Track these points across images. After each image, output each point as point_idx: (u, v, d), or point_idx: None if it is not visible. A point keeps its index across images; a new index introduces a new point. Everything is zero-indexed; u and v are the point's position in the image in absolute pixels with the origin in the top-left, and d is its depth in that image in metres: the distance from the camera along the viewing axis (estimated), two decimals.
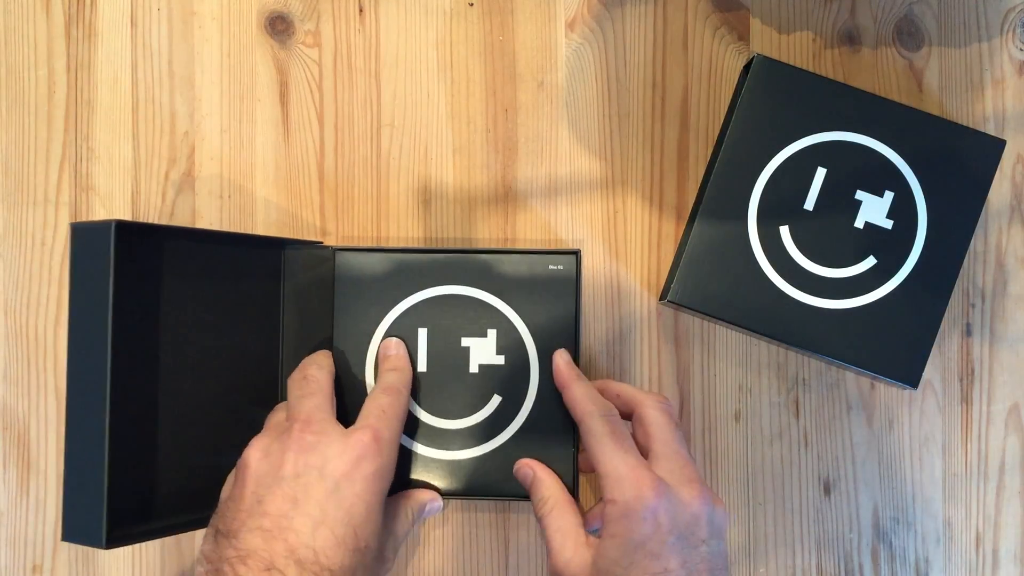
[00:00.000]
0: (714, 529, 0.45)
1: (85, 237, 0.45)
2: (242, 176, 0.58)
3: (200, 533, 0.57)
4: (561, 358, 0.51)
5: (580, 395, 0.49)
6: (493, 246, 0.57)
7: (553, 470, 0.51)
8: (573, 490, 0.51)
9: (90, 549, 0.57)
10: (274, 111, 0.58)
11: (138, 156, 0.58)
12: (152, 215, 0.57)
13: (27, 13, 0.58)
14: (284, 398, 0.52)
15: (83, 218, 0.58)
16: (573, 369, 0.51)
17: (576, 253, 0.52)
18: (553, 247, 0.57)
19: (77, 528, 0.45)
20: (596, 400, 0.49)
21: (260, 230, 0.57)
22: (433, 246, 0.57)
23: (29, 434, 0.57)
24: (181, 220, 0.57)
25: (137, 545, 0.57)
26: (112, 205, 0.58)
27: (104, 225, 0.44)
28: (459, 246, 0.56)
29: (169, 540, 0.57)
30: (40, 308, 0.58)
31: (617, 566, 0.44)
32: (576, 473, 0.52)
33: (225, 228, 0.57)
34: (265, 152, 0.58)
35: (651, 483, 0.45)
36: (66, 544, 0.57)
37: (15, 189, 0.58)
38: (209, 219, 0.57)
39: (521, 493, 0.51)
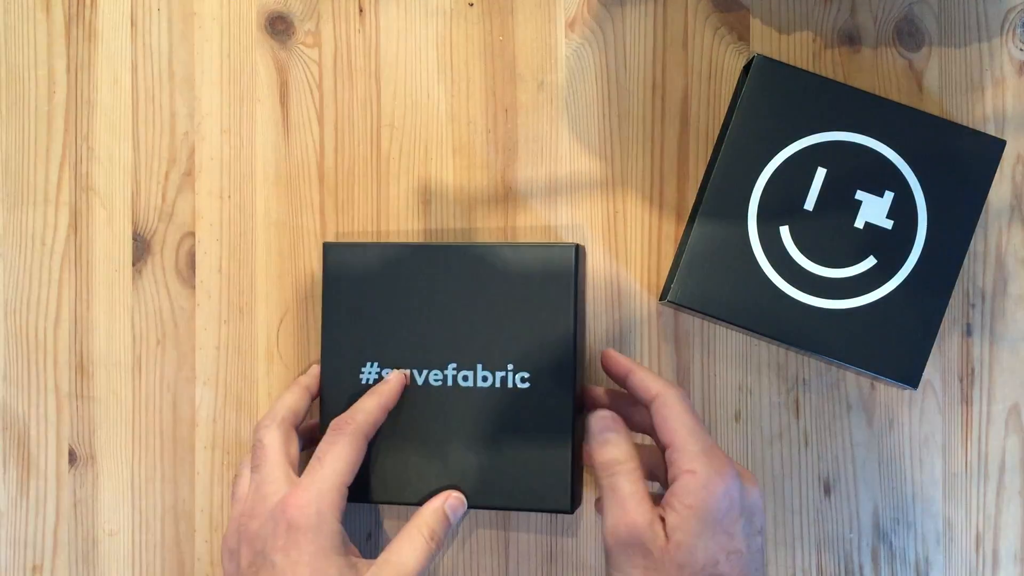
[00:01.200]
0: (764, 522, 0.47)
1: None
2: (242, 176, 0.58)
3: (201, 530, 0.57)
4: (613, 352, 0.52)
5: (650, 376, 0.49)
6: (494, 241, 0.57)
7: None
8: (573, 493, 0.51)
9: (90, 549, 0.57)
10: (274, 111, 0.58)
11: (138, 156, 0.58)
12: (152, 215, 0.57)
13: (27, 13, 0.58)
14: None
15: (83, 219, 0.58)
16: (628, 357, 0.51)
17: (574, 247, 0.52)
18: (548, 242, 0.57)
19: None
20: (669, 381, 0.49)
21: (260, 230, 0.57)
22: (433, 240, 0.57)
23: (29, 434, 0.57)
24: (181, 220, 0.57)
25: (137, 545, 0.57)
26: (112, 205, 0.58)
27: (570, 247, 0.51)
28: (458, 240, 0.56)
29: (169, 540, 0.57)
30: (40, 308, 0.58)
31: (691, 537, 0.44)
32: (575, 472, 0.52)
33: (225, 228, 0.57)
34: (265, 152, 0.58)
35: (728, 464, 0.46)
36: (66, 544, 0.57)
37: (15, 189, 0.58)
38: (209, 219, 0.57)
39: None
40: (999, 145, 0.53)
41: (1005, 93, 0.57)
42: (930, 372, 0.56)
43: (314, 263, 0.57)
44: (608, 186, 0.57)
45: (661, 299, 0.56)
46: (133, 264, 0.58)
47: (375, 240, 0.57)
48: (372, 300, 0.53)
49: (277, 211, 0.57)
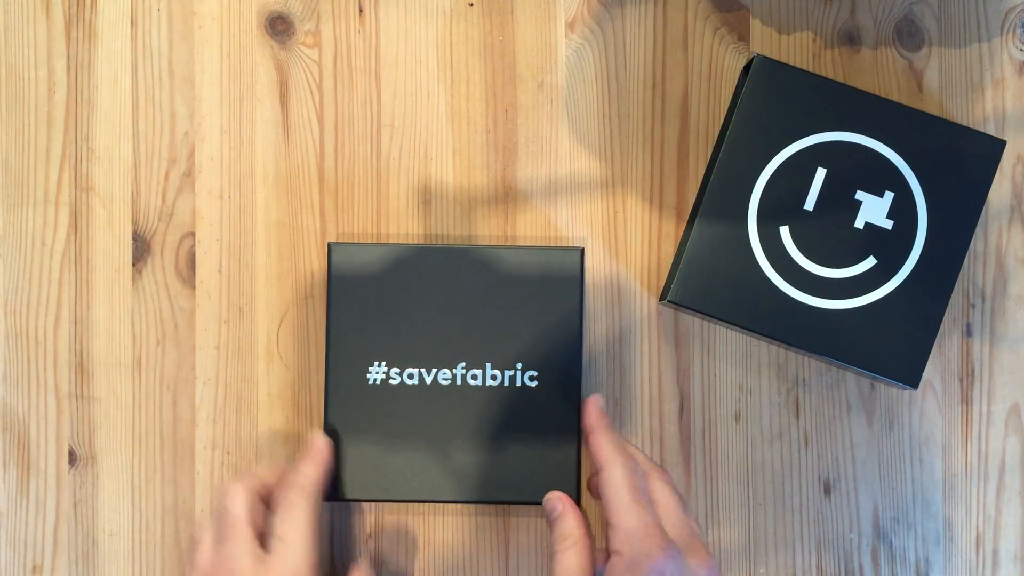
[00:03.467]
0: None
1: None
2: (242, 176, 0.58)
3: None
4: (595, 404, 0.52)
5: (605, 442, 0.49)
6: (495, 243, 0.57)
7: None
8: (579, 487, 0.52)
9: (90, 549, 0.57)
10: (274, 111, 0.58)
11: (138, 156, 0.58)
12: (152, 215, 0.57)
13: (27, 13, 0.58)
14: None
15: (83, 219, 0.58)
16: (604, 417, 0.51)
17: (580, 251, 0.53)
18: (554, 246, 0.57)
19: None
20: (622, 451, 0.49)
21: (260, 230, 0.57)
22: (435, 243, 0.57)
23: (29, 434, 0.57)
24: (181, 220, 0.57)
25: (137, 545, 0.57)
26: (112, 205, 0.58)
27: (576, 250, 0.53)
28: (460, 243, 0.57)
29: (169, 540, 0.57)
30: (40, 308, 0.58)
31: None
32: (581, 468, 0.53)
33: (225, 228, 0.57)
34: (265, 152, 0.58)
35: (662, 543, 0.45)
36: (66, 544, 0.57)
37: (15, 189, 0.58)
38: (209, 219, 0.57)
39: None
40: (999, 145, 0.53)
41: (1005, 93, 0.57)
42: (930, 372, 0.56)
43: (314, 263, 0.57)
44: (608, 186, 0.57)
45: (661, 299, 0.56)
46: (133, 264, 0.58)
47: (376, 242, 0.57)
48: (378, 300, 0.53)
49: (277, 211, 0.57)
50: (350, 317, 0.53)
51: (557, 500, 0.51)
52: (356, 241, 0.57)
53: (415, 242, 0.57)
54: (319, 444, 0.52)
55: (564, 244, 0.57)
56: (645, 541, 0.45)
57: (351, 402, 0.53)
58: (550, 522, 0.51)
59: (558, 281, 0.53)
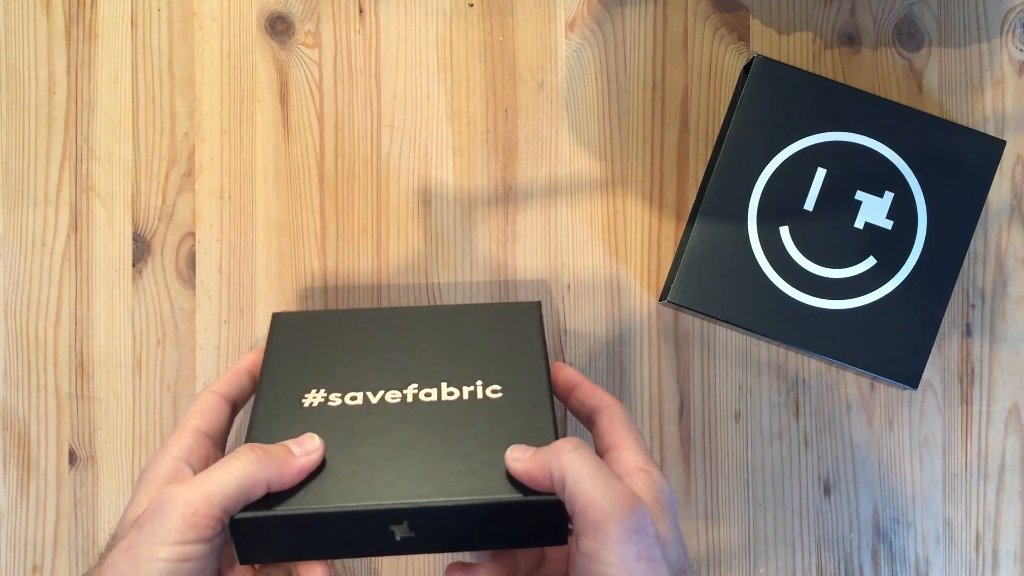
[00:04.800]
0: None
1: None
2: (242, 177, 0.58)
3: None
4: (566, 365, 0.50)
5: (597, 388, 0.47)
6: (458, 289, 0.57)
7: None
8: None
9: (90, 549, 0.57)
10: (274, 112, 0.58)
11: (138, 156, 0.58)
12: (152, 215, 0.57)
13: (27, 13, 0.58)
14: None
15: (83, 219, 0.58)
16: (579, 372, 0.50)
17: (536, 305, 0.50)
18: (551, 255, 0.57)
19: None
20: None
21: (260, 230, 0.57)
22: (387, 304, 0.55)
23: (29, 434, 0.57)
24: (181, 220, 0.57)
25: None
26: (112, 206, 0.58)
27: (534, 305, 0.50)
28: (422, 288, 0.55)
29: None
30: (40, 308, 0.58)
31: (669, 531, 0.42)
32: None
33: (225, 229, 0.57)
34: (265, 153, 0.58)
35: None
36: (66, 544, 0.57)
37: (15, 189, 0.58)
38: (209, 219, 0.57)
39: None
40: (999, 145, 0.53)
41: (1005, 93, 0.57)
42: (930, 372, 0.56)
43: (314, 263, 0.57)
44: (608, 186, 0.57)
45: (661, 299, 0.56)
46: (133, 264, 0.58)
47: (375, 244, 0.57)
48: (320, 351, 0.48)
49: (277, 211, 0.57)
50: (287, 351, 0.49)
51: (520, 449, 0.42)
52: (305, 310, 0.54)
53: (415, 241, 0.56)
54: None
55: (561, 246, 0.57)
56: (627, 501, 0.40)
57: (280, 424, 0.45)
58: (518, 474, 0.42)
59: (519, 337, 0.48)
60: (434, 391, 0.46)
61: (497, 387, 0.46)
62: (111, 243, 0.58)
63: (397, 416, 0.45)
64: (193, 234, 0.57)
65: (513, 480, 0.41)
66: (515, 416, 0.44)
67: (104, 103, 0.58)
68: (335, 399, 0.46)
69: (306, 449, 0.43)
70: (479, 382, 0.46)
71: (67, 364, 0.58)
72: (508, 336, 0.49)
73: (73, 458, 0.57)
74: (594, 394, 0.47)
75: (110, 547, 0.41)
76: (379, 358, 0.47)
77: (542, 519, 0.41)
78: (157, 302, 0.58)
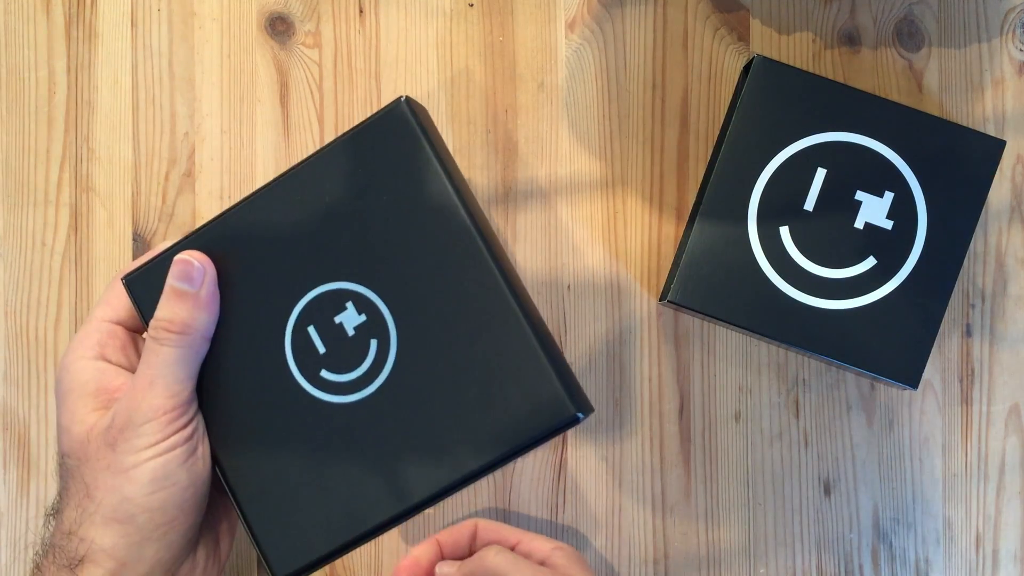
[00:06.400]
0: None
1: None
2: (242, 177, 0.58)
3: None
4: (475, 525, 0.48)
5: (540, 537, 0.48)
6: None
7: None
8: (572, 393, 0.41)
9: None
10: (274, 112, 0.58)
11: (138, 157, 0.58)
12: (152, 215, 0.57)
13: (27, 13, 0.58)
14: None
15: (83, 219, 0.58)
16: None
17: (405, 100, 0.43)
18: (551, 255, 0.57)
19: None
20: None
21: None
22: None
23: (29, 434, 0.57)
24: (181, 221, 0.57)
25: None
26: (112, 206, 0.58)
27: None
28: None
29: None
30: (40, 309, 0.58)
31: None
32: (560, 366, 0.41)
33: None
34: (265, 153, 0.58)
35: None
36: None
37: (15, 189, 0.58)
38: None
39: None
40: (999, 145, 0.53)
41: (1005, 93, 0.57)
42: (930, 372, 0.57)
43: None
44: (608, 186, 0.57)
45: (661, 299, 0.56)
46: None
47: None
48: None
49: None
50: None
51: (447, 564, 0.45)
52: (149, 258, 0.47)
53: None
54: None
55: (561, 246, 0.57)
56: None
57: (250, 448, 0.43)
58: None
59: (396, 143, 0.41)
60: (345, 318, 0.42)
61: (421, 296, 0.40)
62: (111, 243, 0.58)
63: (347, 415, 0.42)
64: None
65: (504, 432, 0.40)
66: (471, 321, 0.40)
67: (104, 103, 0.58)
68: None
69: (192, 279, 0.43)
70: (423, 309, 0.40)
71: None
72: (397, 175, 0.41)
73: None
74: (535, 546, 0.47)
75: (65, 467, 0.43)
76: (272, 266, 0.43)
77: None
78: None
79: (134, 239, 0.58)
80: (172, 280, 0.43)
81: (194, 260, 0.43)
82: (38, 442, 0.57)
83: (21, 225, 0.58)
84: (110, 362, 0.44)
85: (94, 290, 0.58)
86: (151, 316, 0.44)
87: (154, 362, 0.42)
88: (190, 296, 0.42)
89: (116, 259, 0.58)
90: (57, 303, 0.58)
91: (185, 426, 0.42)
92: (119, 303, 0.46)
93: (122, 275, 0.46)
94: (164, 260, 0.45)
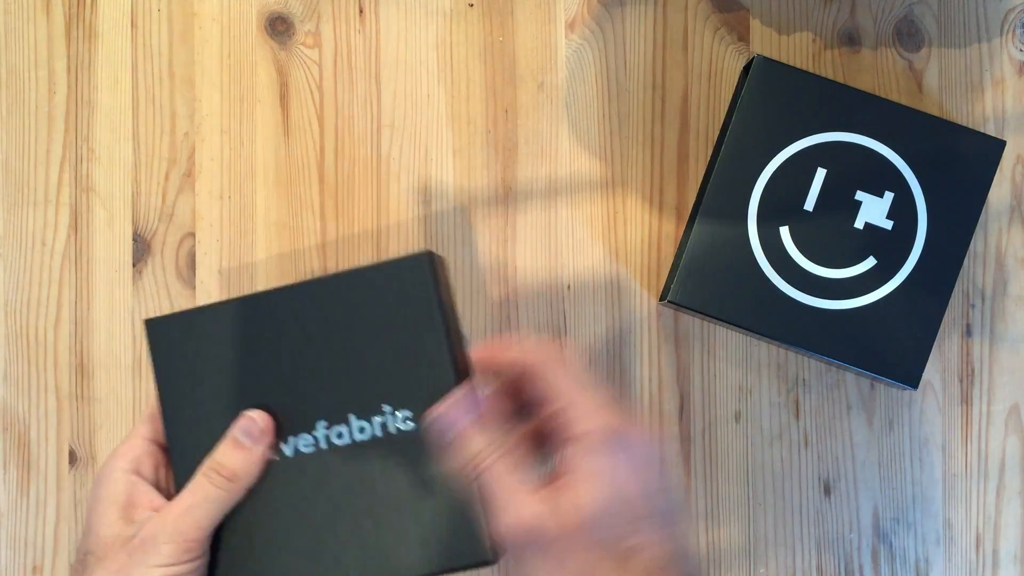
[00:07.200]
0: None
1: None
2: (242, 177, 0.58)
3: None
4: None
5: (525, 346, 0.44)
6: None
7: None
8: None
9: None
10: (274, 112, 0.58)
11: (138, 157, 0.58)
12: (152, 215, 0.57)
13: (27, 13, 0.58)
14: None
15: (83, 219, 0.58)
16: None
17: (428, 256, 0.44)
18: (551, 255, 0.57)
19: None
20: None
21: (260, 230, 0.57)
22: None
23: (29, 434, 0.57)
24: (181, 220, 0.57)
25: None
26: (112, 206, 0.58)
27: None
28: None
29: None
30: (40, 308, 0.58)
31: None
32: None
33: (225, 229, 0.57)
34: (265, 153, 0.58)
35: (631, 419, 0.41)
36: (66, 544, 0.57)
37: (15, 189, 0.58)
38: (209, 219, 0.57)
39: None
40: (999, 145, 0.53)
41: (1005, 93, 0.57)
42: (930, 372, 0.56)
43: (314, 263, 0.57)
44: (608, 186, 0.57)
45: (661, 299, 0.56)
46: (133, 264, 0.58)
47: (374, 244, 0.56)
48: (212, 372, 0.46)
49: (277, 211, 0.57)
50: (183, 396, 0.46)
51: (452, 414, 0.42)
52: (179, 311, 0.49)
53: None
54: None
55: (563, 245, 0.57)
56: (618, 413, 0.39)
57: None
58: (445, 451, 0.42)
59: (409, 296, 0.44)
60: (345, 430, 0.44)
61: (407, 413, 0.44)
62: (111, 243, 0.58)
63: (315, 476, 0.44)
64: (193, 234, 0.57)
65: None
66: (431, 454, 0.43)
67: (104, 103, 0.58)
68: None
69: (253, 436, 0.45)
70: (386, 407, 0.44)
71: (67, 364, 0.58)
72: (401, 317, 0.44)
73: (73, 458, 0.57)
74: (520, 357, 0.43)
75: (84, 563, 0.45)
76: (275, 384, 0.45)
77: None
78: (157, 302, 0.58)
79: (134, 239, 0.58)
80: (235, 431, 0.46)
81: (258, 420, 0.45)
82: (38, 442, 0.57)
83: (21, 225, 0.58)
84: (143, 478, 0.47)
85: (94, 290, 0.58)
86: (160, 362, 0.46)
87: (197, 492, 0.45)
88: (246, 450, 0.45)
89: (116, 259, 0.58)
90: (57, 303, 0.58)
91: (195, 559, 0.44)
92: (160, 424, 0.48)
93: (146, 317, 0.48)
94: (188, 315, 0.47)
